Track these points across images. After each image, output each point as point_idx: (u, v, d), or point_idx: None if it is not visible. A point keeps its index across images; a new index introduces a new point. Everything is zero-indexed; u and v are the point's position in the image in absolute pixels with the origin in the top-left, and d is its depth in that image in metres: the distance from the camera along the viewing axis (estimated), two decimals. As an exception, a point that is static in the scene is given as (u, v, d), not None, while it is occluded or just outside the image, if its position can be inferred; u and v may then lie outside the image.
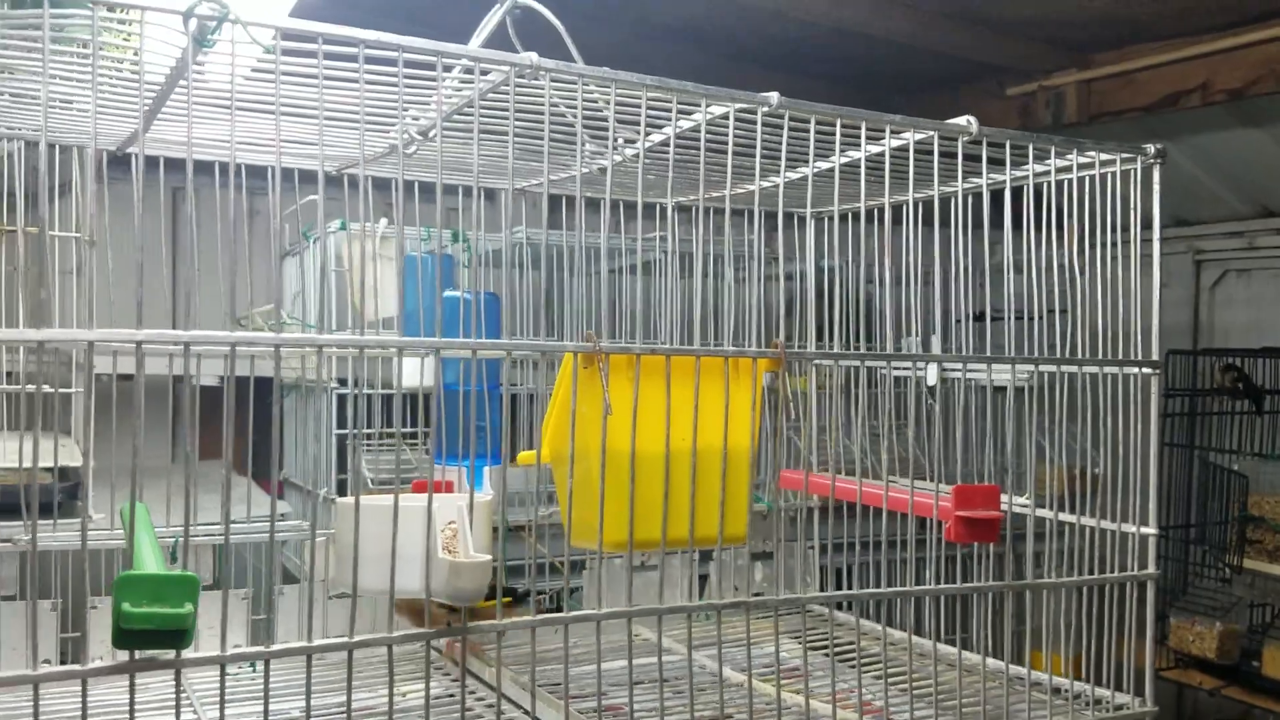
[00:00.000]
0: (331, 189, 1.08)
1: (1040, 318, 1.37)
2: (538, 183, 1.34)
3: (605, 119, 1.09)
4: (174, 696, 0.88)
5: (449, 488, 1.48)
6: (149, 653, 0.82)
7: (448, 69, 1.04)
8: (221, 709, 0.88)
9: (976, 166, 1.30)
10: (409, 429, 2.24)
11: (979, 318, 1.73)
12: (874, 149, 1.18)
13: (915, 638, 1.27)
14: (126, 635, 0.80)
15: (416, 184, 1.61)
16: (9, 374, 2.07)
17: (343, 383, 2.23)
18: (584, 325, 1.01)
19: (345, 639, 0.93)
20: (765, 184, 1.32)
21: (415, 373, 2.03)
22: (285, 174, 1.40)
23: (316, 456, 2.11)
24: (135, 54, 0.94)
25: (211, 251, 0.90)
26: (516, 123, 1.02)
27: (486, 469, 1.64)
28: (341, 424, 2.22)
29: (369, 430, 2.26)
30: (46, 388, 1.76)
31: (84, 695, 0.84)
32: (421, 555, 0.92)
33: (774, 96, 1.03)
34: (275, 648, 0.92)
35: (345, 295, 2.21)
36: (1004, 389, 2.09)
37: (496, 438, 1.62)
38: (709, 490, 1.03)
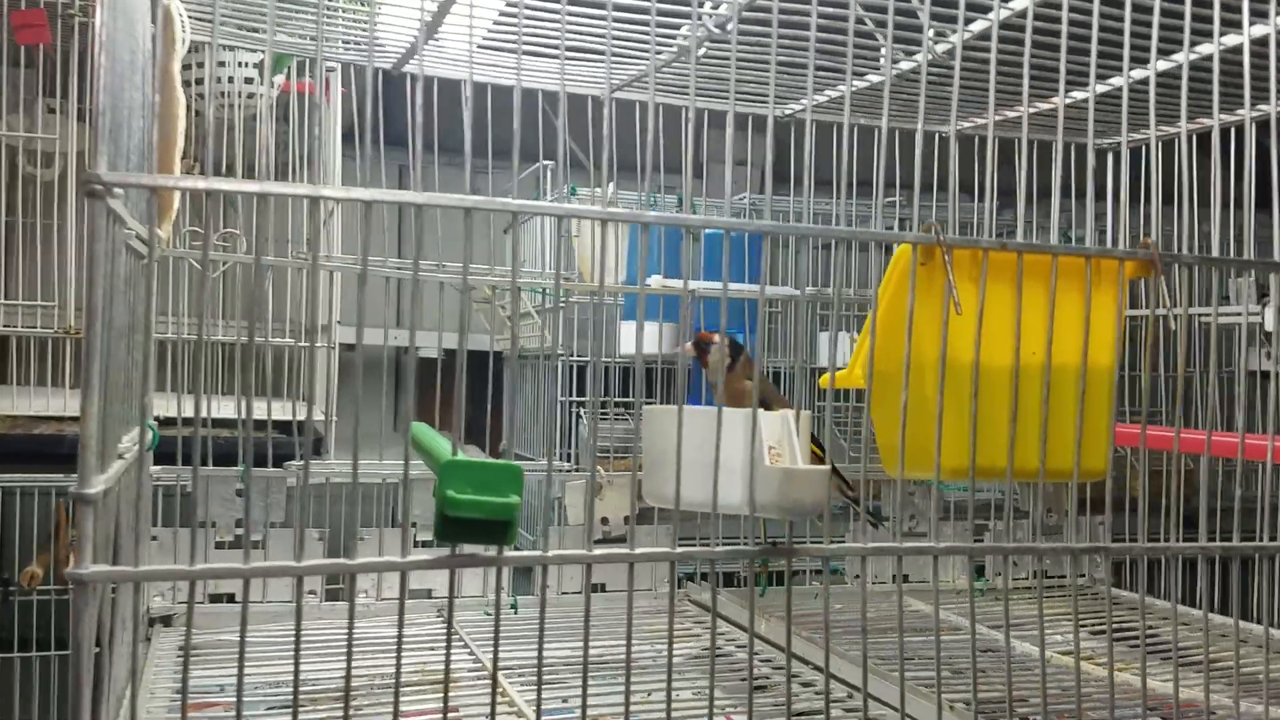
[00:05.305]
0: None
1: None
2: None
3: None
4: (495, 596, 0.80)
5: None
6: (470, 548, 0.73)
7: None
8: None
9: None
10: (626, 399, 2.17)
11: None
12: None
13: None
14: (450, 525, 0.71)
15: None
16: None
17: (567, 352, 2.20)
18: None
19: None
20: None
21: (633, 340, 1.98)
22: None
23: (545, 424, 2.09)
24: None
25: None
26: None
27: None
28: (565, 392, 2.18)
29: (580, 399, 2.22)
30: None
31: (403, 586, 0.76)
32: (744, 467, 0.81)
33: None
34: (598, 552, 0.82)
35: (574, 262, 2.17)
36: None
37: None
38: (1063, 414, 0.88)
